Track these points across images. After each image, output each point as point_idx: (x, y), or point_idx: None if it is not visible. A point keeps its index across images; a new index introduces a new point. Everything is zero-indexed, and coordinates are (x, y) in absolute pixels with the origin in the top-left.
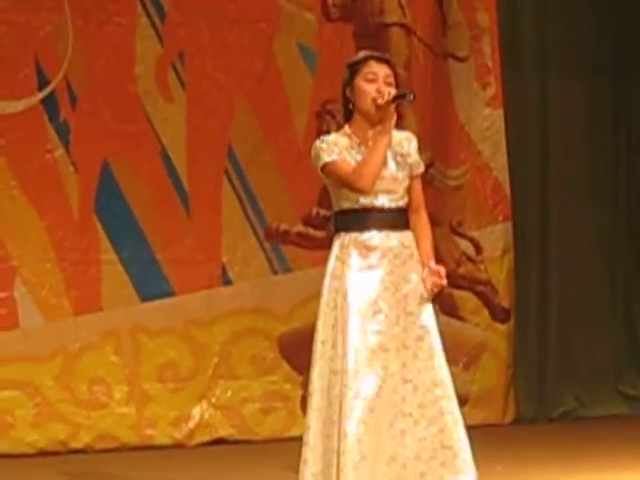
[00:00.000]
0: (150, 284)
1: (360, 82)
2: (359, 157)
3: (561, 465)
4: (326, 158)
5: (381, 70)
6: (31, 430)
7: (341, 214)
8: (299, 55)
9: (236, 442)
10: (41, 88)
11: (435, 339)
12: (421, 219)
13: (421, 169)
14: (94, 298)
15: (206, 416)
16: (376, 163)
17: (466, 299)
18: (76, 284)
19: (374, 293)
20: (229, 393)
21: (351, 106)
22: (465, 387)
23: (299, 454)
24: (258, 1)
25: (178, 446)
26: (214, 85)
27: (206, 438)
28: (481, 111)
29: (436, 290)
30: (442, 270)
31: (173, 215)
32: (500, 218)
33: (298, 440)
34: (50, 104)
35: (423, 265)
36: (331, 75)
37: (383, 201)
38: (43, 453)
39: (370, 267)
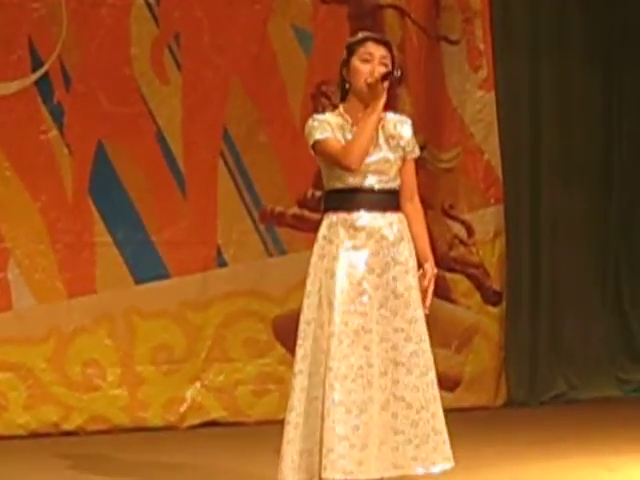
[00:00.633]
0: (145, 266)
1: (356, 62)
2: (349, 136)
3: (552, 448)
4: (317, 136)
5: (377, 51)
6: (23, 412)
7: (331, 194)
8: (294, 37)
9: (228, 424)
10: (35, 70)
11: (423, 323)
12: (417, 210)
13: (416, 153)
14: (88, 280)
15: (199, 398)
16: (364, 140)
17: (458, 282)
18: (70, 266)
19: (358, 274)
20: (222, 376)
21: (347, 86)
22: (457, 370)
23: None
24: None
25: (170, 428)
26: (210, 67)
27: (198, 420)
28: (473, 94)
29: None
30: (432, 275)
31: (168, 197)
32: (492, 201)
33: None
34: (44, 85)
35: (419, 264)
36: (326, 57)
37: (373, 182)
38: (35, 435)
39: (356, 247)
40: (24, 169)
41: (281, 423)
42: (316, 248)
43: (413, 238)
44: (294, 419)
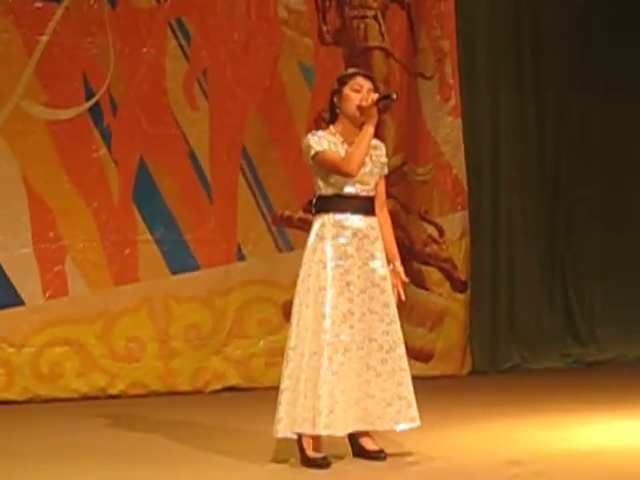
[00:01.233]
0: (179, 260)
1: (348, 91)
2: (342, 152)
3: (509, 409)
4: (317, 147)
5: (366, 84)
6: (76, 379)
7: (323, 198)
8: (299, 72)
9: (243, 389)
10: (88, 99)
11: (394, 309)
12: (386, 217)
13: (386, 171)
14: (132, 271)
15: (220, 368)
16: (363, 151)
17: (431, 273)
18: (116, 260)
19: (346, 266)
20: (240, 350)
21: (337, 111)
22: (431, 345)
23: None
24: (266, 29)
25: (196, 392)
26: (231, 96)
27: (220, 386)
28: (444, 120)
29: (397, 288)
30: (402, 272)
31: (198, 203)
32: (459, 207)
33: None
34: (95, 112)
35: (389, 261)
36: (326, 89)
37: (359, 190)
38: (85, 398)
39: (344, 243)
40: (79, 181)
41: None
42: (310, 244)
43: (384, 240)
44: (292, 385)
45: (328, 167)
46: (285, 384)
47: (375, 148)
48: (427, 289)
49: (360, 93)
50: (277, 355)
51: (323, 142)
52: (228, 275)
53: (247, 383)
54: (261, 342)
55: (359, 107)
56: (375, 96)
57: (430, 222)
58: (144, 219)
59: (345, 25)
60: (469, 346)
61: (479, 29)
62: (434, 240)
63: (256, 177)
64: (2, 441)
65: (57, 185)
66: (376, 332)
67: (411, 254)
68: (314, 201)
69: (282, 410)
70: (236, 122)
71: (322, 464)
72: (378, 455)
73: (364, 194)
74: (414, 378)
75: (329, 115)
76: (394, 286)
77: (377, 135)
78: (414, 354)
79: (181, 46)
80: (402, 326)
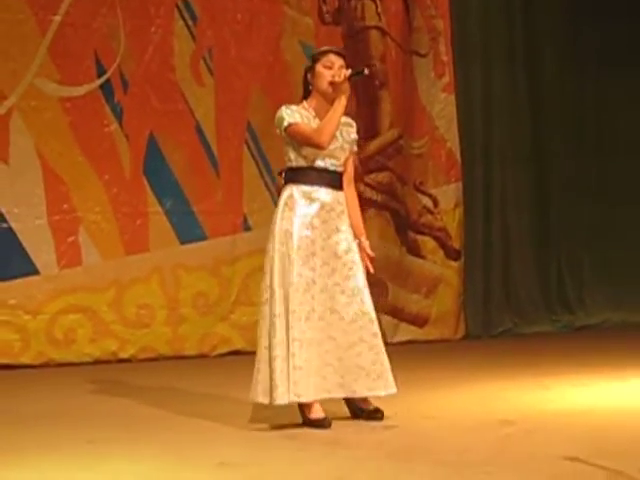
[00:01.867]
0: (187, 230)
1: (320, 68)
2: (314, 125)
3: (501, 370)
4: (290, 120)
5: (337, 61)
6: (89, 344)
7: (293, 170)
8: (301, 51)
9: (247, 353)
10: (99, 76)
11: (360, 280)
12: (353, 193)
13: (355, 148)
14: (142, 241)
15: (226, 334)
16: (333, 125)
17: (426, 242)
18: (128, 231)
19: (312, 236)
20: (246, 316)
21: (310, 87)
22: (426, 310)
23: None
24: (268, 9)
25: (203, 356)
26: (235, 73)
27: (225, 350)
28: (438, 96)
29: (365, 261)
30: (367, 247)
31: (205, 176)
32: (453, 179)
33: None
34: (107, 89)
35: (355, 236)
36: None
37: (328, 164)
38: (98, 362)
39: (310, 214)
40: (92, 155)
41: None
42: (278, 213)
43: (350, 216)
44: (281, 353)
45: (300, 139)
46: (275, 352)
47: (346, 125)
48: (422, 257)
49: (332, 70)
50: None
51: (296, 115)
52: (234, 245)
53: (251, 347)
54: None
55: (331, 83)
56: (347, 72)
57: (425, 193)
58: (154, 191)
59: (343, 5)
60: (462, 312)
61: (472, 8)
62: (429, 210)
63: (260, 151)
64: (14, 403)
65: (70, 159)
66: (338, 303)
67: (407, 224)
68: (284, 173)
69: (278, 377)
70: (240, 98)
71: (323, 424)
72: (375, 414)
73: (333, 168)
74: (411, 342)
75: (303, 91)
76: (362, 260)
77: (373, 111)
78: (410, 319)
79: (188, 26)
80: (399, 292)
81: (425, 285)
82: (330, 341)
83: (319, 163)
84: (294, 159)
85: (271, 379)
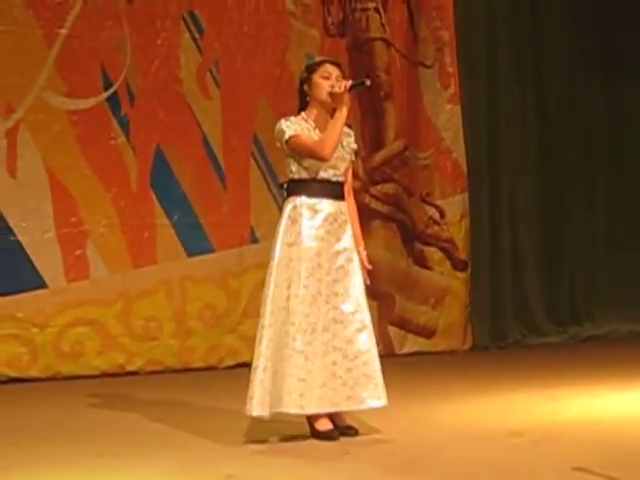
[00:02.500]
0: (194, 243)
1: (318, 79)
2: (315, 137)
3: (509, 382)
4: (291, 132)
5: (334, 71)
6: (96, 357)
7: (296, 182)
8: (306, 62)
9: None
10: (106, 89)
11: (360, 290)
12: (352, 202)
13: (354, 157)
14: (150, 254)
15: (234, 346)
16: (336, 135)
17: (433, 253)
18: (135, 243)
19: (317, 247)
20: (253, 328)
21: (308, 98)
22: (433, 322)
23: None
24: (275, 21)
25: (210, 369)
26: (242, 86)
27: (233, 362)
28: (443, 107)
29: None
30: (365, 258)
31: (212, 188)
32: (459, 190)
33: None
34: (113, 102)
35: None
36: None
37: (330, 175)
38: (105, 375)
39: (315, 226)
40: (99, 167)
41: None
42: (282, 226)
43: (350, 223)
44: (262, 363)
45: (302, 151)
46: (256, 363)
47: (346, 135)
48: (429, 268)
49: (329, 80)
50: None
51: (296, 127)
52: (242, 257)
53: None
54: None
55: (331, 94)
56: (348, 83)
57: (431, 204)
58: (161, 204)
59: (348, 17)
60: (470, 323)
61: (477, 19)
62: (435, 222)
63: (267, 163)
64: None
65: (78, 172)
66: (342, 314)
67: (413, 235)
68: (286, 185)
69: (254, 390)
70: (247, 110)
71: (331, 437)
72: (348, 431)
73: (335, 179)
74: (418, 354)
75: (299, 103)
76: (360, 270)
77: (378, 122)
78: (417, 330)
79: (194, 39)
80: (406, 304)
81: (432, 296)
82: (336, 352)
83: (322, 174)
84: (296, 171)
85: (249, 388)
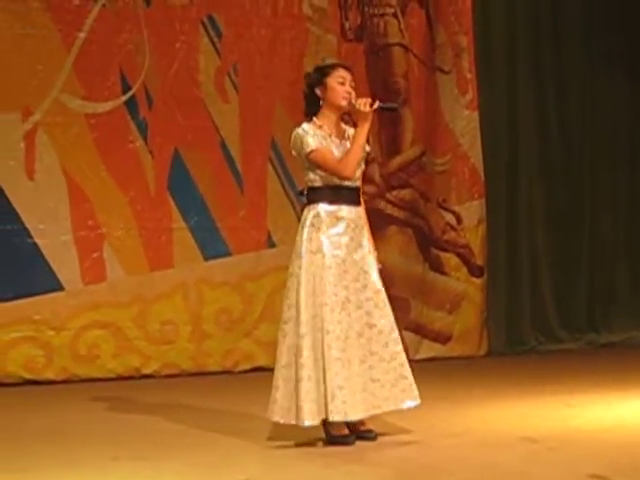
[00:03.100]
0: (211, 246)
1: (332, 83)
2: (332, 145)
3: (524, 388)
4: (312, 146)
5: (347, 76)
6: (112, 360)
7: (315, 189)
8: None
9: (271, 369)
10: (124, 92)
11: (384, 293)
12: (363, 206)
13: (363, 165)
14: (167, 257)
15: (250, 350)
16: (358, 155)
17: (449, 259)
18: (152, 246)
19: (342, 255)
20: (269, 332)
21: (321, 102)
22: (449, 327)
23: None
24: (292, 26)
25: (226, 372)
26: (260, 90)
27: (248, 366)
28: (461, 112)
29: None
30: (375, 259)
31: (230, 192)
32: (476, 196)
33: None
34: (132, 105)
35: None
36: None
37: (349, 182)
38: (121, 378)
39: (338, 234)
40: (116, 171)
41: None
42: (304, 234)
43: None
44: (306, 373)
45: (324, 168)
46: (300, 373)
47: None
48: (445, 274)
49: (344, 86)
50: None
51: (315, 138)
52: (259, 261)
53: (274, 364)
54: None
55: (356, 110)
56: (377, 104)
57: (448, 210)
58: (178, 207)
59: (366, 22)
60: (485, 329)
61: (496, 24)
62: (452, 227)
63: (284, 167)
64: (37, 419)
65: (95, 175)
66: (374, 317)
67: (430, 241)
68: (305, 192)
69: (303, 398)
70: (265, 114)
71: (347, 441)
72: (368, 434)
73: (353, 185)
74: (434, 359)
75: (310, 107)
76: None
77: (395, 128)
78: (433, 336)
79: (213, 42)
80: (422, 309)
81: (448, 302)
82: (373, 356)
83: (341, 182)
84: (314, 179)
85: (297, 399)
